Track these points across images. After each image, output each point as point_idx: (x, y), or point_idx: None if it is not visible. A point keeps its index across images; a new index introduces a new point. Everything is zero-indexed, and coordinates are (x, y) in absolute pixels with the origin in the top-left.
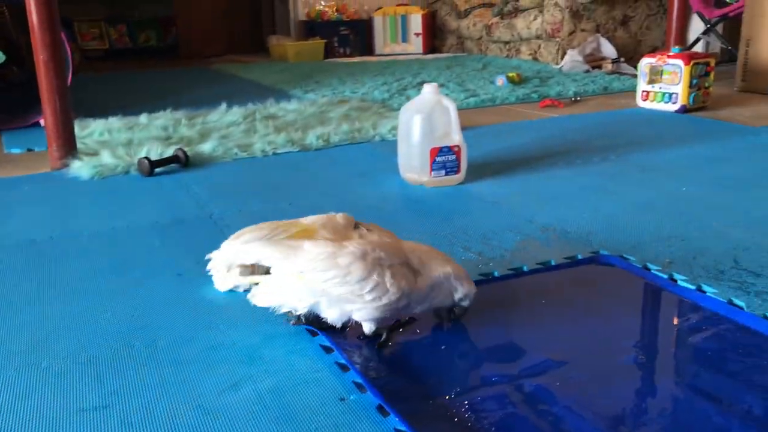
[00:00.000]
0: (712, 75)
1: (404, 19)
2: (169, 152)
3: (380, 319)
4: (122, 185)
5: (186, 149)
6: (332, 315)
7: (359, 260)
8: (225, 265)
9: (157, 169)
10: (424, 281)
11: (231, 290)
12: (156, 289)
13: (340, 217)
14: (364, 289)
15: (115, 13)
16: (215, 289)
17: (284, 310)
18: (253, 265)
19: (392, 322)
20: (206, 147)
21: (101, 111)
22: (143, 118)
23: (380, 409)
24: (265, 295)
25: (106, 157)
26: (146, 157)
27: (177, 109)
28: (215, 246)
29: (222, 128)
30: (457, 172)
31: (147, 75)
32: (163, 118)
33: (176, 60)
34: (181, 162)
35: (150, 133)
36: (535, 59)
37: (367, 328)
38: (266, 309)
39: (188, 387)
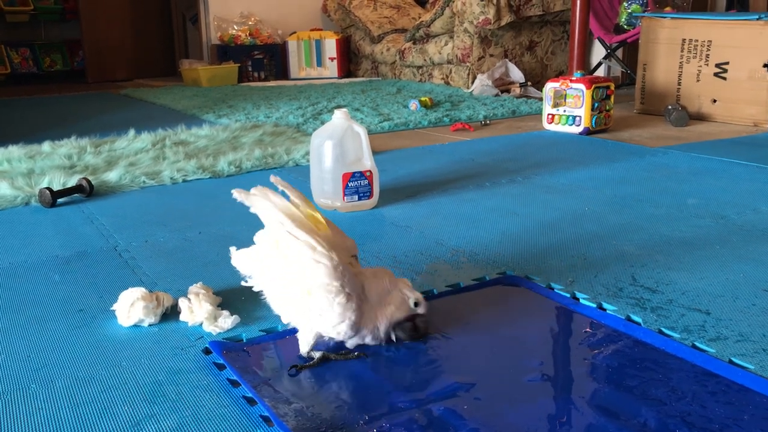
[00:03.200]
0: (612, 98)
1: (319, 43)
2: (73, 182)
3: (318, 336)
4: (22, 218)
5: (91, 178)
6: (282, 302)
7: (333, 267)
8: (129, 299)
9: (60, 200)
10: (373, 320)
11: (135, 325)
12: (55, 327)
13: (348, 239)
14: (330, 282)
15: (17, 36)
16: (119, 325)
17: (250, 281)
18: (158, 300)
19: (325, 348)
20: (112, 175)
21: (0, 139)
22: (46, 146)
23: None
24: (243, 258)
25: (4, 188)
26: (48, 188)
27: (83, 136)
28: (120, 279)
29: (130, 155)
30: (369, 196)
31: (52, 100)
32: (68, 145)
33: (84, 85)
34: (85, 192)
35: (53, 162)
36: (447, 83)
37: (305, 346)
38: (171, 341)
39: (87, 430)
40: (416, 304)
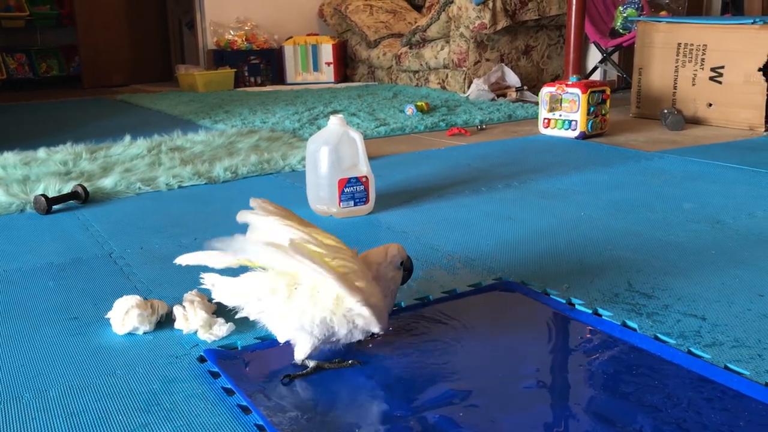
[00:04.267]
0: (608, 102)
1: (315, 48)
2: (68, 188)
3: (315, 347)
4: (16, 224)
5: (86, 184)
6: (280, 320)
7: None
8: (124, 306)
9: (55, 207)
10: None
11: (130, 333)
12: (49, 335)
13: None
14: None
15: (13, 42)
16: (113, 333)
17: (242, 313)
18: (153, 308)
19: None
20: (108, 182)
21: None
22: (42, 152)
23: None
24: (226, 290)
25: None
26: (43, 194)
27: (78, 142)
28: (115, 286)
29: (125, 161)
30: (365, 202)
31: (48, 106)
32: (63, 152)
33: (80, 90)
34: (81, 198)
35: (48, 169)
36: (443, 88)
37: (301, 354)
38: (166, 349)
39: None
40: (401, 264)
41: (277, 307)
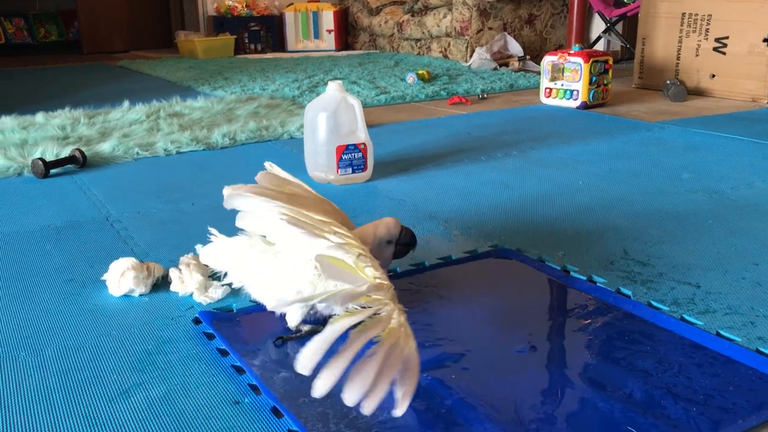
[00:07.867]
0: (610, 72)
1: (316, 15)
2: (66, 152)
3: (306, 314)
4: (14, 188)
5: (84, 149)
6: (267, 287)
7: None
8: (119, 268)
9: (53, 171)
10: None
11: (125, 295)
12: (45, 296)
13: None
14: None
15: (11, 6)
16: (109, 295)
17: (227, 279)
18: (149, 270)
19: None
20: (106, 146)
21: None
22: (40, 117)
23: (275, 410)
24: (213, 254)
25: None
26: (41, 158)
27: (77, 107)
28: (111, 249)
29: (124, 127)
30: (363, 169)
31: (46, 71)
32: (62, 116)
33: (79, 56)
34: (79, 162)
35: (46, 133)
36: (446, 56)
37: (293, 321)
38: (162, 311)
39: (75, 397)
40: (389, 242)
41: (265, 272)
